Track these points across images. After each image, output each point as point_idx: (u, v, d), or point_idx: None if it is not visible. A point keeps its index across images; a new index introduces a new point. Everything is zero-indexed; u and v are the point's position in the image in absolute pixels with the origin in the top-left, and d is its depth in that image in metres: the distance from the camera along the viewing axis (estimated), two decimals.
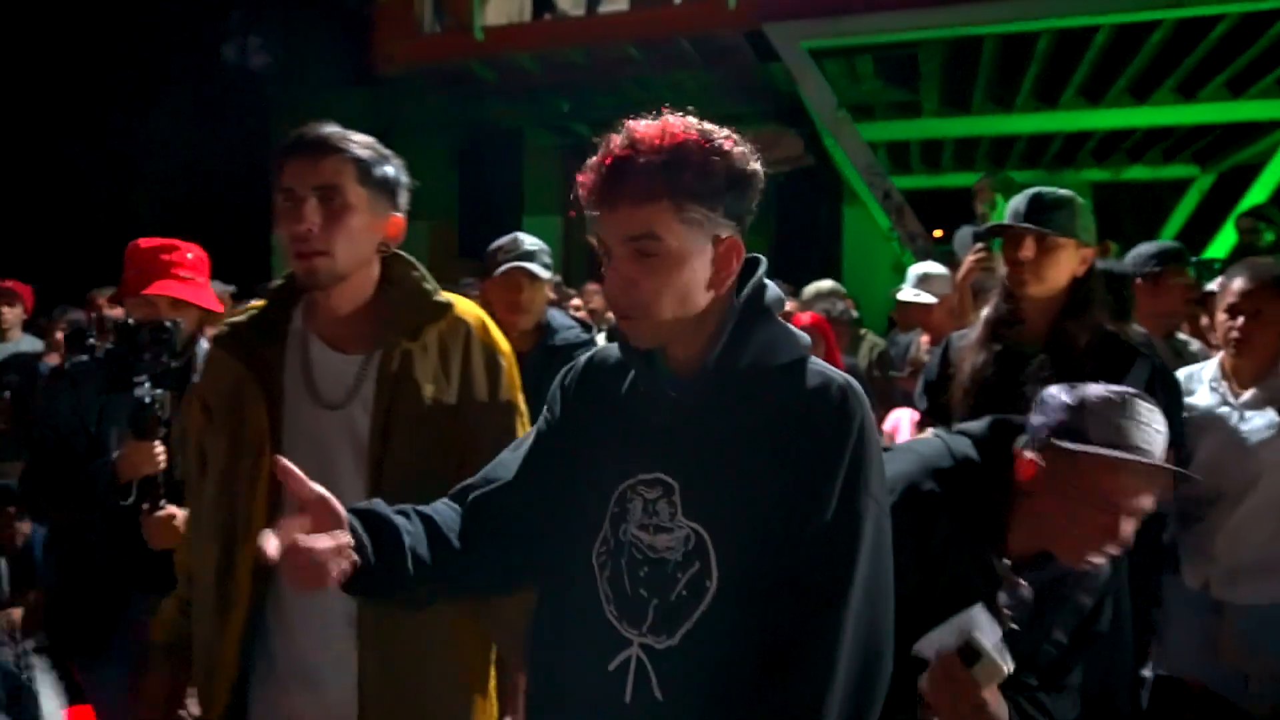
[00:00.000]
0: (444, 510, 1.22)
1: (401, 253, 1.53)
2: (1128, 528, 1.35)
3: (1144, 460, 1.31)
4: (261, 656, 1.45)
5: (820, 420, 1.09)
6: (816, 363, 1.16)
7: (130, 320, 1.83)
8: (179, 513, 2.02)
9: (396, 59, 7.12)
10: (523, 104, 8.21)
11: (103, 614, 2.13)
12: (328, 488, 1.42)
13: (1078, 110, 7.22)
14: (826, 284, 4.44)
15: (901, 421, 3.22)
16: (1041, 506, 1.38)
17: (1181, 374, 2.41)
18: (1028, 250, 2.03)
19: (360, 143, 1.42)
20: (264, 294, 1.55)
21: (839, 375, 1.14)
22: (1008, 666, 1.29)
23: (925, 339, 3.74)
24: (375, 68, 7.25)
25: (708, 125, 1.10)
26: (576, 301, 5.07)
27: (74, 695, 2.43)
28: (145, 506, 1.99)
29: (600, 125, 1.18)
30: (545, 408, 1.28)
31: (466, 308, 1.54)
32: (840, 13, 5.94)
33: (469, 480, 1.26)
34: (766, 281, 1.17)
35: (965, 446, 1.48)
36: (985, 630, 1.30)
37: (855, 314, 4.62)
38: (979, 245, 2.94)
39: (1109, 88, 6.86)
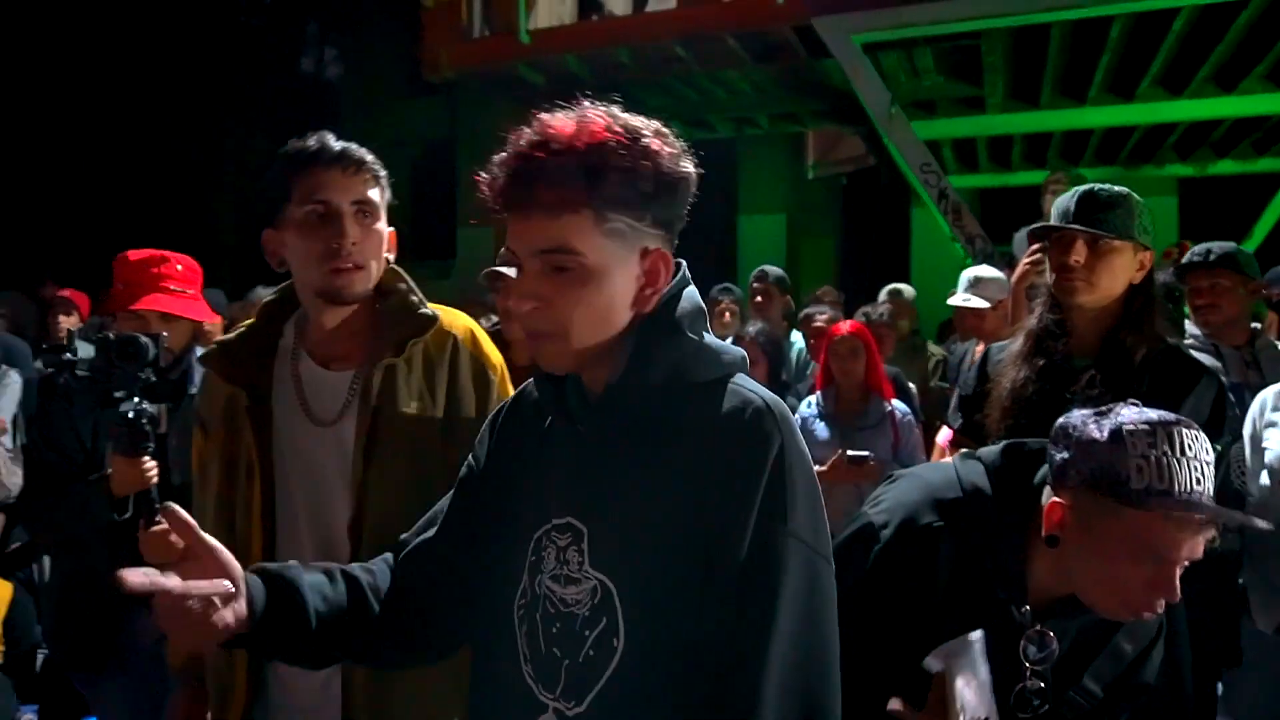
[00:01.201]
0: (380, 569, 1.12)
1: (393, 264, 1.52)
2: (1177, 578, 1.17)
3: (1204, 515, 1.12)
4: (266, 686, 1.44)
5: (731, 447, 0.94)
6: (741, 381, 1.00)
7: (108, 334, 1.81)
8: None
9: (444, 63, 7.14)
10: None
11: (104, 629, 2.11)
12: (319, 507, 1.42)
13: (1157, 101, 6.76)
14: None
15: None
16: (1074, 556, 1.19)
17: (1273, 390, 2.17)
18: (1079, 254, 1.85)
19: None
20: (258, 309, 1.53)
21: (759, 395, 0.98)
22: (986, 715, 1.16)
23: (980, 348, 3.52)
24: (423, 72, 7.29)
25: (634, 120, 0.96)
26: None
27: (77, 710, 2.44)
28: (141, 522, 1.97)
29: None
30: (473, 448, 1.17)
31: (454, 319, 1.51)
32: (893, 3, 5.68)
33: (415, 528, 1.16)
34: (687, 291, 1.02)
35: (977, 474, 1.29)
36: (966, 665, 1.17)
37: (907, 322, 4.43)
38: (1035, 245, 2.72)
39: (1191, 76, 6.41)
